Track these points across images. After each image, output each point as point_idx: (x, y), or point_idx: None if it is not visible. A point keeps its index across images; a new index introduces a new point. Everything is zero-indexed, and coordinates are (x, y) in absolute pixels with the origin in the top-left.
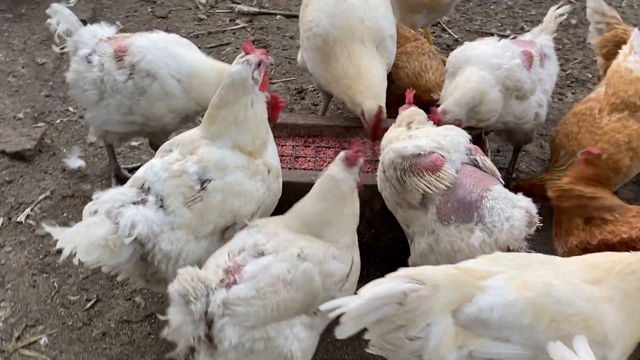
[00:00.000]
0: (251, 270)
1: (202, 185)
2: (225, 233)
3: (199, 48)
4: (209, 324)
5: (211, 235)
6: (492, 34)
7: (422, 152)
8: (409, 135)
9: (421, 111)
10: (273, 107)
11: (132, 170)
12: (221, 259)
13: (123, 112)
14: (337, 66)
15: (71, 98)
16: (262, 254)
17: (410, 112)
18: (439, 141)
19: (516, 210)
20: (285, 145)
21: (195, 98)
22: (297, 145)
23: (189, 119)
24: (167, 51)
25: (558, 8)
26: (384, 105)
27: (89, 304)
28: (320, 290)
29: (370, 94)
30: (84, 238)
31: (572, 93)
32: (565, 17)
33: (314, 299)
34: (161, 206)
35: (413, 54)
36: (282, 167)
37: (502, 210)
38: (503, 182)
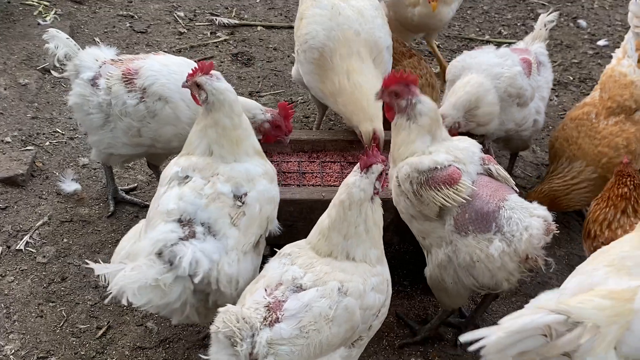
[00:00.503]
0: (293, 307)
1: (241, 200)
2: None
3: None
4: None
5: (252, 248)
6: (471, 39)
7: (439, 166)
8: (430, 151)
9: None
10: (284, 117)
11: (129, 192)
12: (259, 295)
13: (132, 134)
14: (334, 81)
15: (58, 119)
16: (300, 288)
17: (434, 112)
18: (455, 155)
19: (534, 219)
20: (290, 161)
21: None
22: (302, 161)
23: None
24: (180, 75)
25: (548, 14)
26: (380, 125)
27: (100, 332)
28: (360, 323)
29: (367, 116)
30: (135, 280)
31: (557, 96)
32: (554, 23)
33: (354, 333)
34: (210, 233)
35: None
36: (290, 184)
37: (520, 220)
38: (517, 191)
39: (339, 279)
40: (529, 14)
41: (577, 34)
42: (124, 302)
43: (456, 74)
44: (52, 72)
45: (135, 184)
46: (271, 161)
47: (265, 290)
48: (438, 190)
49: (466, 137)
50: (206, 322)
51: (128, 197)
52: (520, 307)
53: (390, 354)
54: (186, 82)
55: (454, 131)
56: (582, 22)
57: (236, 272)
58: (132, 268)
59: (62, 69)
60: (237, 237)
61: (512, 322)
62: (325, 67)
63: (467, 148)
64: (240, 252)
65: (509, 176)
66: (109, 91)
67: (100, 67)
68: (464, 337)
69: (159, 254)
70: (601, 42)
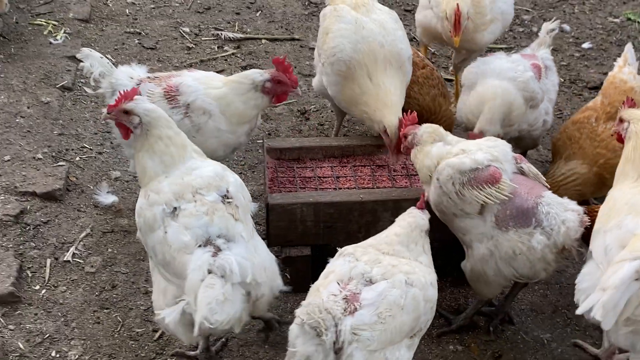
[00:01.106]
0: (369, 297)
1: (228, 197)
2: None
3: None
4: (336, 351)
5: (254, 231)
6: None
7: (480, 166)
8: (461, 149)
9: (436, 125)
10: (283, 70)
11: None
12: (333, 288)
13: None
14: (356, 86)
15: (84, 135)
16: (370, 281)
17: (431, 129)
18: (492, 153)
19: (569, 213)
20: (324, 166)
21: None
22: (334, 166)
23: (236, 150)
24: (217, 90)
25: (552, 22)
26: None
27: (157, 335)
28: (422, 314)
29: (391, 111)
30: (210, 300)
31: None
32: (557, 30)
33: (418, 322)
34: (228, 240)
35: (424, 85)
36: (326, 188)
37: (558, 214)
38: (548, 187)
39: (404, 271)
40: (515, 19)
41: (562, 38)
42: (207, 326)
43: (473, 80)
44: (86, 89)
45: None
46: (305, 167)
47: (339, 284)
48: (481, 189)
49: (495, 138)
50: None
51: None
52: (544, 294)
53: (430, 342)
54: (108, 113)
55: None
56: (566, 27)
57: (261, 259)
58: (203, 293)
59: (96, 87)
60: (244, 229)
61: (612, 279)
62: (352, 78)
63: (498, 145)
64: (252, 241)
65: (540, 174)
66: None
67: (138, 84)
68: (580, 309)
69: (209, 273)
70: (585, 45)
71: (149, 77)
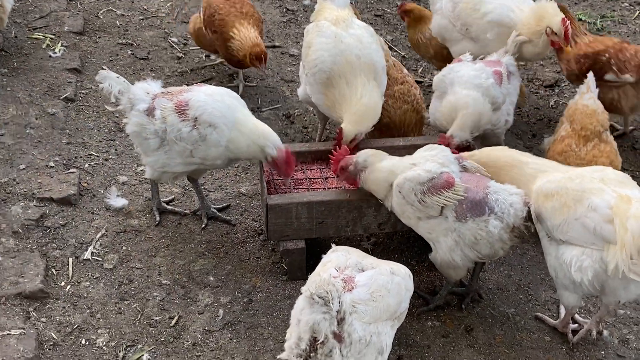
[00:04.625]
0: (363, 279)
1: None
2: None
3: (186, 85)
4: (339, 321)
5: None
6: None
7: (435, 175)
8: (410, 163)
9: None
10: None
11: (169, 203)
12: (333, 271)
13: (186, 155)
14: (338, 92)
15: (90, 143)
16: (362, 270)
17: (371, 151)
18: (438, 161)
19: (513, 196)
20: (313, 168)
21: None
22: (323, 168)
23: (234, 161)
24: (223, 104)
25: (517, 35)
26: (362, 134)
27: (174, 321)
28: (403, 300)
29: (353, 119)
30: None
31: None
32: (522, 38)
33: (399, 308)
34: None
35: (399, 100)
36: (316, 189)
37: (505, 200)
38: (490, 176)
39: (388, 264)
40: None
41: None
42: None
43: (442, 88)
44: (106, 106)
45: (173, 196)
46: (296, 169)
47: (336, 270)
48: (440, 195)
49: (433, 145)
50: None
51: (170, 207)
52: (508, 274)
53: (411, 320)
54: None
55: (462, 145)
56: None
57: None
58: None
59: (116, 103)
60: None
61: (632, 224)
62: (332, 85)
63: (440, 152)
64: None
65: (480, 167)
66: (164, 120)
67: (153, 99)
68: (610, 265)
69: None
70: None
71: (162, 92)
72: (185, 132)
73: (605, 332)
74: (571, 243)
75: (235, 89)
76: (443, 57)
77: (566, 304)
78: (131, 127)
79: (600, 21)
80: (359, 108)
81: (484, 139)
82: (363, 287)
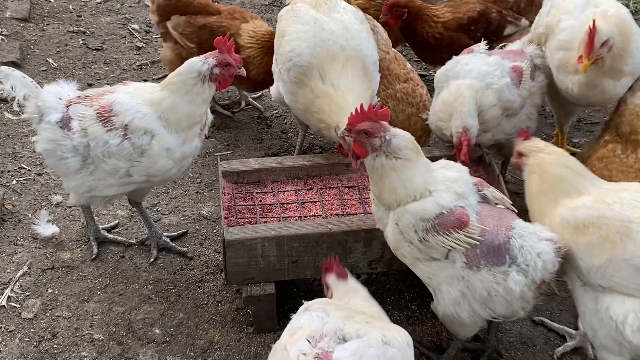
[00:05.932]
0: (343, 356)
1: None
2: None
3: (145, 80)
4: None
5: None
6: None
7: (445, 211)
8: (429, 190)
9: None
10: (227, 51)
11: (111, 230)
12: (303, 345)
13: (120, 175)
14: (311, 90)
15: (22, 154)
16: (343, 339)
17: (413, 144)
18: (455, 191)
19: (543, 243)
20: (287, 190)
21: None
22: (299, 190)
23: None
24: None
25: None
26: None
27: None
28: None
29: (347, 113)
30: None
31: None
32: None
33: None
34: None
35: (402, 102)
36: (290, 217)
37: (532, 247)
38: (516, 210)
39: (379, 327)
40: None
41: None
42: None
43: (443, 82)
44: (7, 114)
45: (117, 221)
46: (266, 192)
47: (309, 341)
48: (447, 235)
49: (450, 162)
50: None
51: (111, 236)
52: (534, 325)
53: None
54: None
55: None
56: None
57: None
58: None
59: (21, 111)
60: None
61: None
62: (304, 83)
63: (461, 177)
64: None
65: (503, 196)
66: (85, 133)
67: (68, 107)
68: None
69: None
70: None
71: (79, 97)
72: (114, 146)
73: None
74: (618, 291)
75: None
76: None
77: None
78: (42, 145)
79: None
80: (346, 101)
81: (500, 148)
82: None
